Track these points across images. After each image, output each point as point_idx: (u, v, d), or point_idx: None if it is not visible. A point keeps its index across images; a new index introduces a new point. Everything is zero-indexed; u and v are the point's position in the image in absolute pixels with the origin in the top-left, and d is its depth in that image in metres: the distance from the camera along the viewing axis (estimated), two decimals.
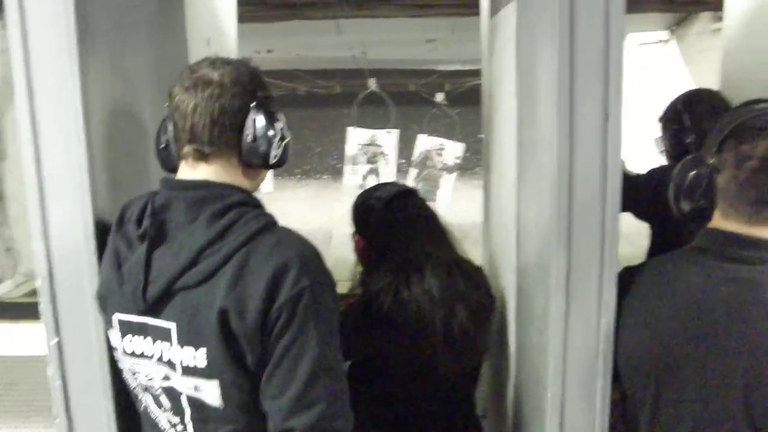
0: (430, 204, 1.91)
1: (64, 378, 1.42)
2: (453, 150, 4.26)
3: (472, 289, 1.75)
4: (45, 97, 1.34)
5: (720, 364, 1.24)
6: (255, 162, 1.30)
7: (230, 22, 2.59)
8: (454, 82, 9.71)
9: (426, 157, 4.25)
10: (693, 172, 1.31)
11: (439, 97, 6.13)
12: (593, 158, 1.30)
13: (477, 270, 1.85)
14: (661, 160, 2.32)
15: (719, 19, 6.06)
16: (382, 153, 4.06)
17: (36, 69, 1.33)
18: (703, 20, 6.11)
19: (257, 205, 1.29)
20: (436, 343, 1.67)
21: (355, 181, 4.02)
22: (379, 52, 8.01)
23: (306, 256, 1.20)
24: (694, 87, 2.31)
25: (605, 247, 1.33)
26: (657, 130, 2.30)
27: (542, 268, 1.43)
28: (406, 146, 4.08)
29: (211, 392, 1.21)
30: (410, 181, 4.26)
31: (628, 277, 1.41)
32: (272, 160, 1.31)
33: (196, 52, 2.10)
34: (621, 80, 1.28)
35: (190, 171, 1.29)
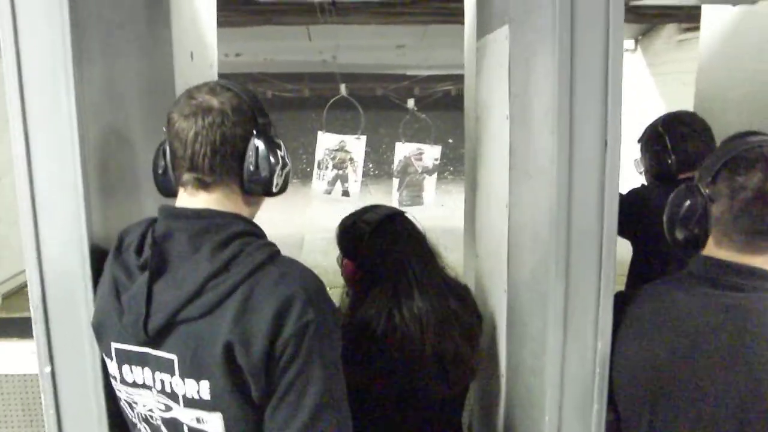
0: (417, 223, 1.90)
1: (57, 407, 1.39)
2: (431, 153, 4.30)
3: (463, 310, 1.77)
4: (40, 122, 1.31)
5: (714, 390, 1.28)
6: (256, 190, 1.29)
7: (211, 34, 2.57)
8: (423, 87, 9.79)
9: (406, 164, 4.27)
10: (688, 202, 1.35)
11: (411, 103, 6.19)
12: (592, 186, 1.33)
13: (465, 289, 1.86)
14: (640, 180, 2.38)
15: (684, 30, 6.21)
16: (350, 159, 4.06)
17: (30, 94, 1.30)
18: (668, 31, 6.25)
19: (260, 235, 1.28)
20: (429, 365, 1.68)
21: (321, 186, 4.02)
22: (349, 56, 8.02)
23: (311, 288, 1.20)
24: (657, 100, 2.36)
25: (602, 275, 1.35)
26: (636, 151, 2.35)
27: (538, 293, 1.45)
28: (373, 150, 4.10)
29: (214, 425, 1.20)
30: (394, 191, 4.27)
31: (621, 302, 1.43)
32: (274, 189, 1.31)
33: (180, 67, 2.09)
34: (620, 109, 1.30)
35: (190, 199, 1.27)
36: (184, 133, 1.22)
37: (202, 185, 1.25)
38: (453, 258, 1.88)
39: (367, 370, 1.68)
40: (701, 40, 2.73)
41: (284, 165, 1.32)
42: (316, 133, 3.68)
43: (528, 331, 1.53)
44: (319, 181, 3.68)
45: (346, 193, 3.79)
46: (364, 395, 1.73)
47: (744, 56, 2.48)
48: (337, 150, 4.03)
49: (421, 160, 4.25)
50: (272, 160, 1.28)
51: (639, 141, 2.34)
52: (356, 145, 4.08)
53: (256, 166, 1.26)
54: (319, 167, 3.88)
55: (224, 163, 1.24)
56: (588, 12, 1.29)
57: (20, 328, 2.66)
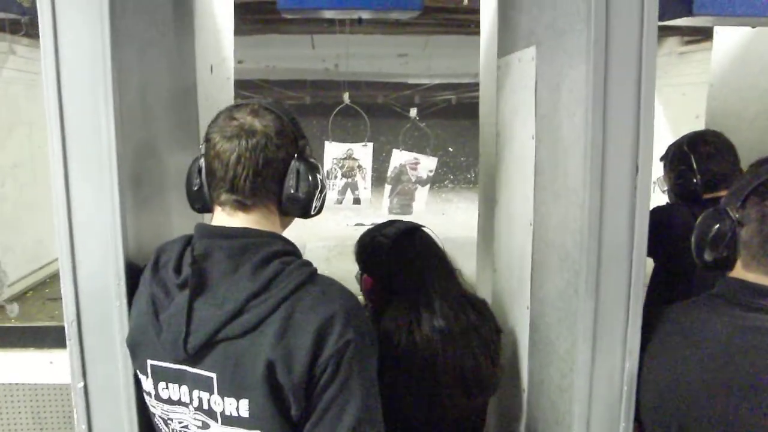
0: (435, 237, 1.91)
1: (89, 422, 1.40)
2: (427, 164, 4.32)
3: (482, 324, 1.78)
4: (78, 137, 1.33)
5: (746, 414, 1.29)
6: (294, 212, 1.31)
7: (229, 48, 2.59)
8: (424, 96, 9.84)
9: (401, 172, 4.29)
10: (717, 225, 1.37)
11: (413, 112, 6.26)
12: (623, 209, 1.34)
13: (484, 304, 1.87)
14: (661, 198, 2.39)
15: (686, 43, 6.26)
16: (359, 166, 4.08)
17: (69, 109, 1.32)
18: (670, 44, 6.29)
19: (298, 254, 1.29)
20: (450, 379, 1.69)
21: (332, 196, 4.02)
22: (352, 65, 8.04)
23: (350, 308, 1.21)
24: (698, 130, 2.37)
25: (632, 295, 1.37)
26: (660, 170, 2.36)
27: (566, 311, 1.47)
28: (374, 158, 4.11)
29: None
30: (385, 197, 4.29)
31: (648, 320, 1.45)
32: (313, 212, 1.32)
33: (201, 80, 2.10)
34: (652, 133, 1.32)
35: (228, 219, 1.28)
36: (226, 155, 1.24)
37: (241, 206, 1.27)
38: (459, 266, 1.89)
39: (388, 384, 1.69)
40: (713, 57, 2.76)
41: (322, 188, 1.33)
42: (319, 141, 3.68)
43: (555, 350, 1.54)
44: (329, 191, 3.70)
45: (357, 201, 3.81)
46: (386, 409, 1.75)
47: (757, 74, 2.51)
48: (345, 158, 4.04)
49: (416, 169, 4.27)
50: (311, 182, 1.29)
51: (662, 159, 2.35)
52: (363, 152, 4.09)
53: (296, 189, 1.28)
54: (328, 177, 3.87)
55: (265, 185, 1.26)
56: (622, 36, 1.31)
57: (33, 338, 2.66)
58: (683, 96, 6.07)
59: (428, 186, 4.25)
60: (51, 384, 2.69)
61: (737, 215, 1.35)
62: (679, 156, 2.26)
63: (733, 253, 1.37)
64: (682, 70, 6.25)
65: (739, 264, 1.38)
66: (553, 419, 1.57)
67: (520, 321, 1.85)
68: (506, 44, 1.97)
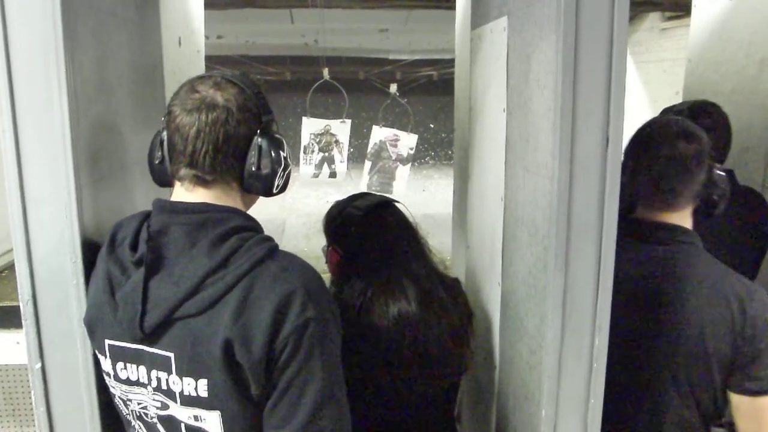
0: (408, 213, 1.85)
1: (48, 404, 1.36)
2: (407, 141, 4.28)
3: (452, 305, 1.75)
4: (29, 113, 1.27)
5: (649, 328, 1.53)
6: (256, 190, 1.27)
7: (199, 19, 2.53)
8: (406, 72, 9.75)
9: (380, 149, 4.25)
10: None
11: (393, 88, 6.20)
12: (593, 182, 1.31)
13: (456, 282, 1.84)
14: None
15: (668, 18, 6.23)
16: (336, 141, 4.03)
17: (20, 84, 1.26)
18: (652, 19, 6.26)
19: (258, 230, 1.26)
20: (412, 363, 1.65)
21: (309, 170, 3.98)
22: (332, 40, 7.96)
23: (310, 284, 1.18)
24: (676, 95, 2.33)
25: (601, 271, 1.35)
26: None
27: (535, 288, 1.45)
28: (354, 135, 4.06)
29: (212, 423, 1.18)
30: (365, 173, 4.25)
31: None
32: (275, 190, 1.28)
33: (168, 54, 2.05)
34: (623, 105, 1.29)
35: (186, 194, 1.24)
36: (186, 129, 1.19)
37: (201, 182, 1.23)
38: (433, 243, 1.85)
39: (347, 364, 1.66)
40: (691, 32, 2.73)
41: (286, 166, 1.29)
42: (299, 117, 3.65)
43: (524, 326, 1.53)
44: (306, 166, 3.65)
45: (333, 175, 3.78)
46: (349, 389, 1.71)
47: (734, 49, 2.48)
48: (322, 134, 4.00)
49: (396, 146, 4.23)
50: (274, 160, 1.25)
51: None
52: (341, 128, 4.05)
53: (258, 166, 1.24)
54: (305, 152, 3.84)
55: (225, 161, 1.22)
56: (592, 4, 1.28)
57: (2, 317, 2.62)
58: (664, 73, 6.06)
59: (409, 165, 4.22)
60: (21, 365, 2.65)
61: (631, 164, 1.67)
62: None
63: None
64: (663, 45, 6.23)
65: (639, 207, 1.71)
66: (522, 396, 1.56)
67: (492, 298, 1.83)
68: (479, 15, 1.93)
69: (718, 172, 1.66)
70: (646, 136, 1.67)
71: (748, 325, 1.53)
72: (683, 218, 1.66)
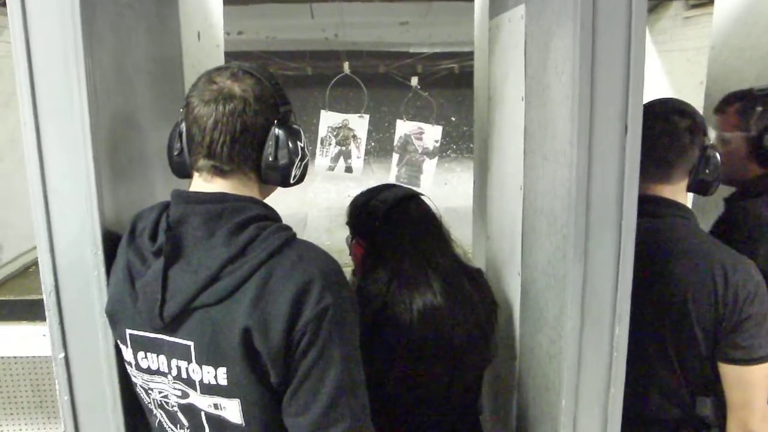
0: (433, 206, 1.84)
1: (72, 393, 1.38)
2: (432, 134, 4.26)
3: (478, 296, 1.74)
4: (50, 107, 1.29)
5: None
6: (274, 180, 1.28)
7: (218, 14, 2.54)
8: (426, 65, 9.70)
9: (406, 142, 4.24)
10: None
11: (414, 81, 6.18)
12: (611, 172, 1.30)
13: (480, 273, 1.83)
14: None
15: (691, 7, 6.13)
16: (353, 135, 4.03)
17: (40, 79, 1.28)
18: (675, 7, 6.15)
19: (276, 219, 1.26)
20: (436, 356, 1.65)
21: (324, 162, 4.00)
22: (352, 34, 7.95)
23: (328, 272, 1.18)
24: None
25: (621, 260, 1.33)
26: None
27: (555, 278, 1.44)
28: (375, 129, 4.05)
29: (232, 411, 1.19)
30: (393, 166, 4.25)
31: None
32: (292, 180, 1.29)
33: (188, 48, 2.05)
34: (641, 93, 1.28)
35: (204, 184, 1.25)
36: (203, 120, 1.20)
37: (219, 172, 1.24)
38: (455, 235, 1.84)
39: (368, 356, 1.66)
40: (714, 18, 2.68)
41: (303, 156, 1.29)
42: (319, 112, 3.66)
43: (544, 316, 1.52)
44: (322, 158, 3.66)
45: (349, 169, 3.78)
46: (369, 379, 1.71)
47: (759, 34, 2.44)
48: (340, 128, 4.00)
49: (421, 139, 4.22)
50: (291, 150, 1.25)
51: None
52: (359, 123, 4.05)
53: (275, 157, 1.24)
54: (322, 144, 3.86)
55: (243, 152, 1.22)
56: None
57: (29, 311, 2.66)
58: (687, 62, 5.96)
59: (436, 159, 4.20)
60: (48, 356, 2.69)
61: None
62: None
63: None
64: (686, 34, 6.12)
65: None
66: (543, 386, 1.55)
67: (512, 288, 1.82)
68: (497, 5, 1.91)
69: (713, 151, 1.70)
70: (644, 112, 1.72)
71: (730, 292, 1.54)
72: (676, 192, 1.71)
